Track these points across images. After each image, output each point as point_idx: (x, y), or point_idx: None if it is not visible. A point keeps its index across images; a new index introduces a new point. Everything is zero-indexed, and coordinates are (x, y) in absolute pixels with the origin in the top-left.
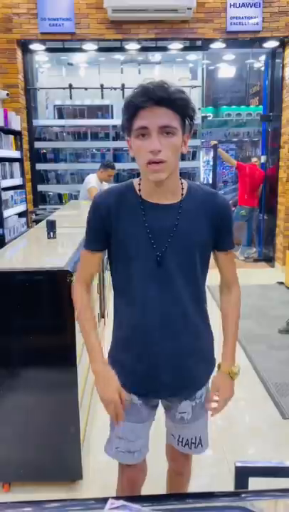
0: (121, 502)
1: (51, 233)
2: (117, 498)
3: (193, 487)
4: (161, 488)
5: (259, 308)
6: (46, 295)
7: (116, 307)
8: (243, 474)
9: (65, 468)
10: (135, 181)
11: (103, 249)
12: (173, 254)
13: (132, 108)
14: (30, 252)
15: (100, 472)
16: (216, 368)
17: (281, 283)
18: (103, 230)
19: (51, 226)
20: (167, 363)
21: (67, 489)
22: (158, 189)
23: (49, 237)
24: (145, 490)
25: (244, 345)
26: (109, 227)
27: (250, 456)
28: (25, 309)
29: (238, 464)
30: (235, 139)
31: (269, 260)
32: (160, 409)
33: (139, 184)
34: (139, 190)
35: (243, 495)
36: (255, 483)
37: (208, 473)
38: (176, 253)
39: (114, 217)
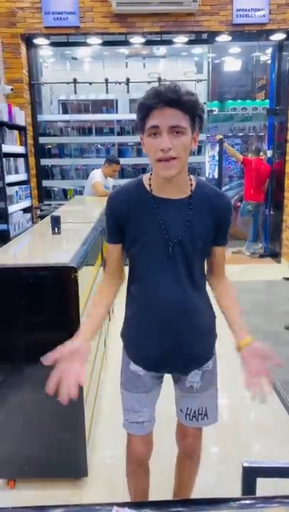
0: (126, 510)
1: (56, 229)
2: (121, 504)
3: (199, 486)
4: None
5: (265, 304)
6: (51, 291)
7: (129, 291)
8: (250, 475)
9: (70, 465)
10: (145, 177)
11: (122, 241)
12: (182, 245)
13: (145, 109)
14: (34, 248)
15: (105, 469)
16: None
17: (287, 279)
18: (119, 226)
19: (56, 222)
20: (176, 340)
21: (72, 486)
22: (168, 184)
23: (54, 233)
24: (154, 487)
25: None
26: (125, 223)
27: (256, 454)
28: (29, 305)
29: (246, 465)
30: (240, 134)
31: (275, 256)
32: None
33: (150, 179)
34: (150, 185)
35: (251, 501)
36: (263, 484)
37: (214, 471)
38: (184, 245)
39: (129, 213)
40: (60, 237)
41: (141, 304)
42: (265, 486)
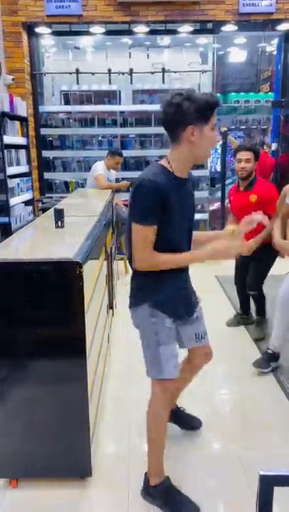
0: None
1: (59, 222)
2: None
3: (205, 488)
4: None
5: (271, 300)
6: (55, 287)
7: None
8: (267, 484)
9: (74, 464)
10: (164, 162)
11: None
12: (190, 213)
13: (215, 107)
14: (37, 242)
15: (109, 469)
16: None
17: None
18: (162, 205)
19: (59, 215)
20: (190, 288)
21: (76, 486)
22: (189, 167)
23: (57, 227)
24: None
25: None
26: (165, 201)
27: (263, 453)
28: (32, 301)
29: (262, 473)
30: (243, 127)
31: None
32: None
33: (169, 163)
34: (171, 168)
35: None
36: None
37: (220, 471)
38: (191, 214)
39: (168, 193)
40: (64, 231)
41: None
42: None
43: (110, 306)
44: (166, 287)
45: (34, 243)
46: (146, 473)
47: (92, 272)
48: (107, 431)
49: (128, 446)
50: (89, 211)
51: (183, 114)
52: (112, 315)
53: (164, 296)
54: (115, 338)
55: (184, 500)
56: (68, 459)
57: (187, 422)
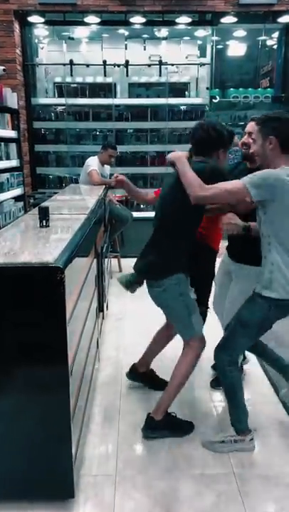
0: None
1: (44, 221)
2: None
3: (201, 508)
4: None
5: None
6: (32, 294)
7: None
8: None
9: (54, 485)
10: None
11: None
12: None
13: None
14: (17, 244)
15: (93, 489)
16: None
17: None
18: None
19: (44, 213)
20: None
21: (57, 509)
22: None
23: (41, 226)
24: None
25: None
26: None
27: (259, 470)
28: (8, 310)
29: None
30: (242, 123)
31: None
32: None
33: None
34: None
35: None
36: None
37: (215, 490)
38: None
39: None
40: (48, 231)
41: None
42: None
43: (100, 309)
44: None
45: (14, 244)
46: (149, 414)
47: (78, 275)
48: (93, 446)
49: (116, 463)
50: (78, 208)
51: (221, 139)
52: (103, 318)
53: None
54: (106, 342)
55: (182, 423)
56: (48, 480)
57: (157, 384)
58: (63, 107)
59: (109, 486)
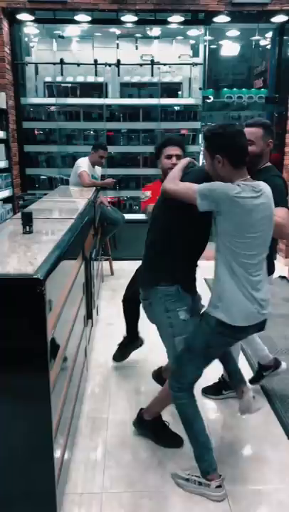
0: None
1: (27, 227)
2: None
3: None
4: None
5: None
6: (9, 308)
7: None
8: None
9: (35, 505)
10: None
11: None
12: None
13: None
14: None
15: (78, 508)
16: None
17: (283, 277)
18: None
19: (27, 219)
20: None
21: None
22: None
23: (24, 232)
24: None
25: (245, 347)
26: None
27: (252, 486)
28: None
29: None
30: (236, 123)
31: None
32: None
33: None
34: None
35: None
36: None
37: (206, 509)
38: None
39: None
40: (31, 238)
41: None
42: None
43: (89, 316)
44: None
45: None
46: (141, 409)
47: (63, 284)
48: (79, 461)
49: (102, 479)
50: (66, 211)
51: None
52: (92, 325)
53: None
54: (96, 349)
55: (169, 435)
56: (28, 499)
57: None
58: (54, 107)
59: (95, 504)
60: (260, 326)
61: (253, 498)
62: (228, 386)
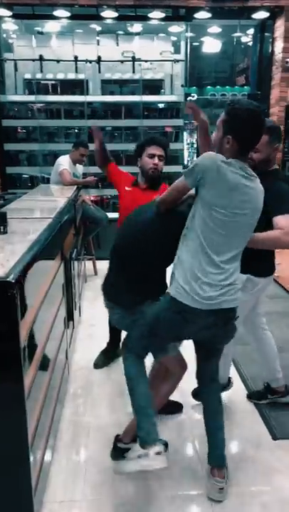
0: None
1: (1, 228)
2: None
3: None
4: None
5: None
6: None
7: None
8: None
9: None
10: None
11: None
12: None
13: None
14: None
15: None
16: None
17: None
18: None
19: (0, 219)
20: None
21: None
22: None
23: None
24: None
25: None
26: None
27: (235, 488)
28: None
29: None
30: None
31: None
32: None
33: None
34: None
35: None
36: None
37: None
38: None
39: None
40: (4, 239)
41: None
42: None
43: (70, 318)
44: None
45: None
46: (117, 436)
47: (40, 285)
48: (59, 468)
49: (83, 486)
50: (45, 211)
51: None
52: (73, 327)
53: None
54: (78, 351)
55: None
56: (4, 509)
57: None
58: (34, 104)
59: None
60: (223, 317)
61: (235, 500)
62: (274, 391)
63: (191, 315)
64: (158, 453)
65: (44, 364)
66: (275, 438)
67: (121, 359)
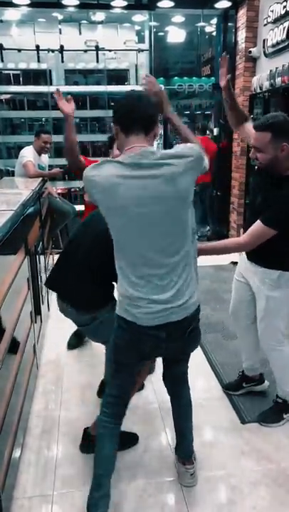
0: None
1: None
2: None
3: None
4: None
5: (213, 291)
6: None
7: None
8: None
9: None
10: None
11: None
12: None
13: None
14: None
15: None
16: None
17: (235, 263)
18: None
19: None
20: None
21: None
22: None
23: None
24: None
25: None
26: None
27: (206, 472)
28: None
29: None
30: (187, 112)
31: (222, 239)
32: None
33: None
34: None
35: None
36: None
37: (160, 502)
38: None
39: None
40: None
41: None
42: None
43: (37, 312)
44: None
45: None
46: (86, 428)
47: (1, 280)
48: (28, 463)
49: (53, 480)
50: (6, 204)
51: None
52: (41, 321)
53: None
54: (47, 345)
55: (123, 434)
56: None
57: None
58: None
59: (46, 507)
60: (175, 331)
61: (206, 485)
62: (249, 379)
63: (139, 332)
64: None
65: (8, 360)
66: (243, 422)
67: (92, 342)
